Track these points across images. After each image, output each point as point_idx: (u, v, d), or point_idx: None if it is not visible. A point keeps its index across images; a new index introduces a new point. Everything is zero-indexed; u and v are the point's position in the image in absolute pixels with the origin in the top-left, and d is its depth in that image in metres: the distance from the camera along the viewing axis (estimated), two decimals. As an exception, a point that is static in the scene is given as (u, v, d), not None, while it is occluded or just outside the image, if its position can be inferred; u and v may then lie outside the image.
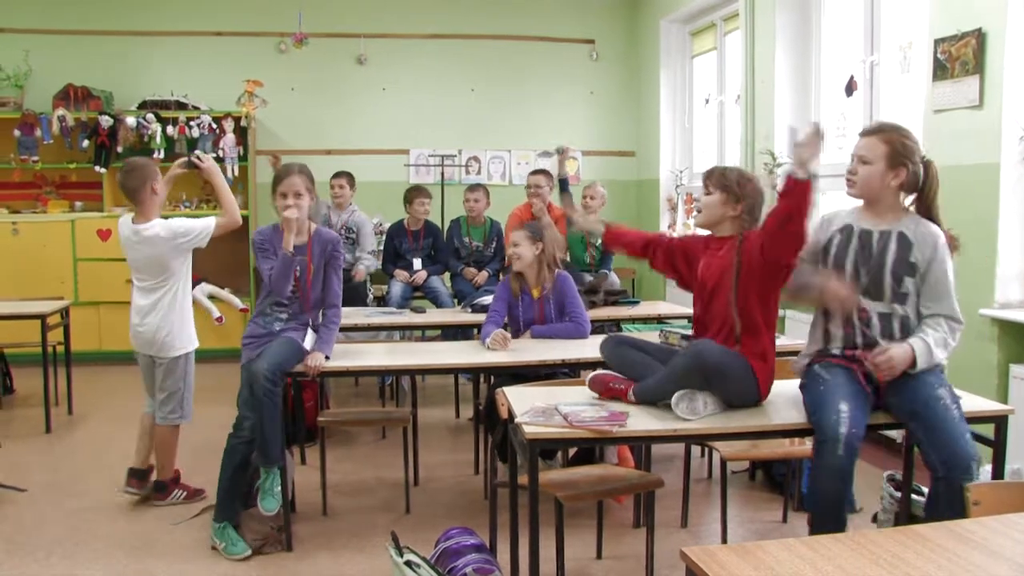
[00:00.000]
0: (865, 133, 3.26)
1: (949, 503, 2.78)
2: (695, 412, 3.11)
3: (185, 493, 4.52)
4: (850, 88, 5.82)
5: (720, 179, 3.38)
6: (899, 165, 3.15)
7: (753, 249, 3.22)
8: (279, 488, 3.88)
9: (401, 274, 6.90)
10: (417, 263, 7.04)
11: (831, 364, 3.19)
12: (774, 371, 3.27)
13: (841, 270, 3.23)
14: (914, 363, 3.05)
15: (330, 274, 4.18)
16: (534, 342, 4.61)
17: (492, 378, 4.57)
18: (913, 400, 3.02)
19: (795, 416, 3.12)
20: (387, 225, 7.80)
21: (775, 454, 4.02)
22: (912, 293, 3.14)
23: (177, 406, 4.46)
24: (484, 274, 6.88)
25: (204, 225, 4.39)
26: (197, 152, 4.38)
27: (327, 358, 4.05)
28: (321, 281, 4.16)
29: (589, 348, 4.45)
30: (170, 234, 4.30)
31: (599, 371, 3.43)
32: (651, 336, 4.00)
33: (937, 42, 4.66)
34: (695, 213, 3.34)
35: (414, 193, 7.09)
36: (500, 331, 4.51)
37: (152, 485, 4.52)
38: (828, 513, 2.96)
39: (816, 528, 2.98)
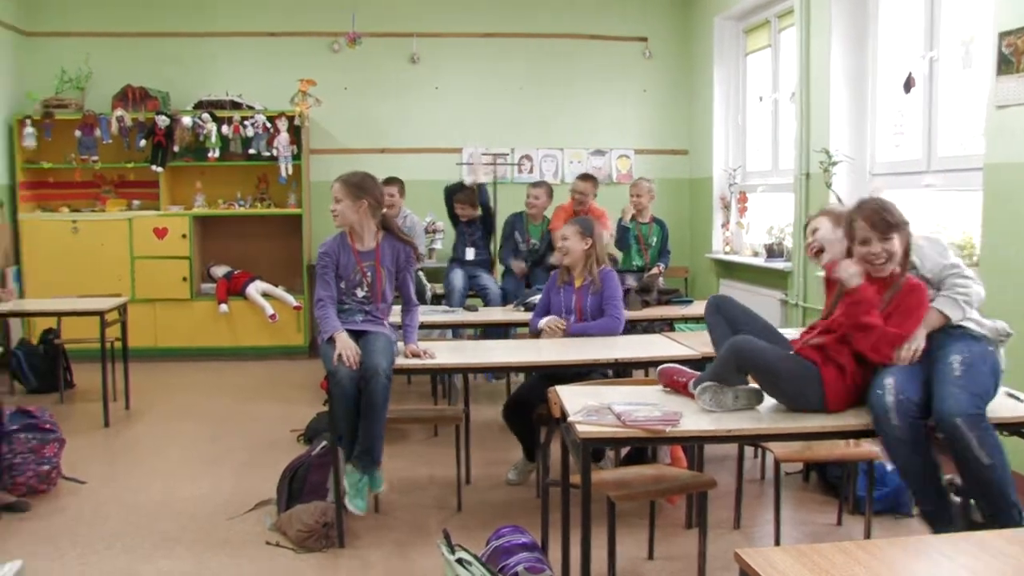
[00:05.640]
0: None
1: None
2: (721, 405, 3.09)
3: None
4: (908, 85, 5.71)
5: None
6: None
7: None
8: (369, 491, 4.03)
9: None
10: (470, 253, 7.10)
11: None
12: (853, 390, 3.14)
13: None
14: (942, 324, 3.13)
15: (405, 278, 4.41)
16: (573, 340, 4.63)
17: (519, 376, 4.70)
18: (927, 367, 3.09)
19: (851, 418, 3.06)
20: (440, 223, 7.85)
21: (831, 455, 3.95)
22: None
23: None
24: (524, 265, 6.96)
25: None
26: None
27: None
28: (392, 282, 4.34)
29: (630, 348, 4.48)
30: None
31: (667, 364, 3.46)
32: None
33: (1002, 35, 4.55)
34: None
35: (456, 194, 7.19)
36: (553, 317, 4.75)
37: None
38: (922, 491, 3.03)
39: (924, 509, 3.10)
